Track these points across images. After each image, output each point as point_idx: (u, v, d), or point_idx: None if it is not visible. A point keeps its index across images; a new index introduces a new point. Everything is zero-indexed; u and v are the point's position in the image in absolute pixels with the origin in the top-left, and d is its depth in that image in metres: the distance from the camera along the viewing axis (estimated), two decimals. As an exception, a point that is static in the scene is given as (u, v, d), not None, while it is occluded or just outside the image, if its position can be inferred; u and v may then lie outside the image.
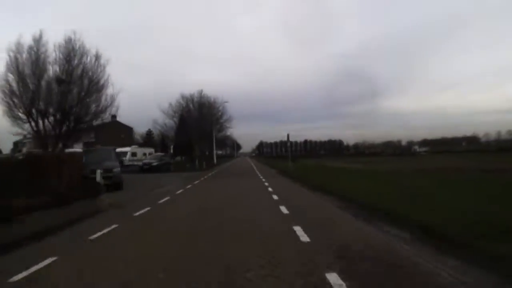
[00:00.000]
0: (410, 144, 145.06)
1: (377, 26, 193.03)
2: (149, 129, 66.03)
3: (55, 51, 13.05)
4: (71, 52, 13.20)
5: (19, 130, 13.55)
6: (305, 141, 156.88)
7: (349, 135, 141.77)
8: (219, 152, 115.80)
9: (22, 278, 3.72)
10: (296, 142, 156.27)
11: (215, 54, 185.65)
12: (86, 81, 13.53)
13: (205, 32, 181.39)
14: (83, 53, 13.43)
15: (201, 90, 45.34)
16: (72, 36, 13.33)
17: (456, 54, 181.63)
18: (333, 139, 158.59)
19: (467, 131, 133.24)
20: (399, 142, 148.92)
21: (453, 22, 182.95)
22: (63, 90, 12.52)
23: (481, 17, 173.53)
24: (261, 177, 21.99)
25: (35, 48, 12.72)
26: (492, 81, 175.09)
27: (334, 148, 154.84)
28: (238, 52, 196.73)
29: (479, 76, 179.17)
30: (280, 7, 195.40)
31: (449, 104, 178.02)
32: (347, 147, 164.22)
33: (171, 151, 47.47)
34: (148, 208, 8.93)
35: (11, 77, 12.54)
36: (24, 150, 33.43)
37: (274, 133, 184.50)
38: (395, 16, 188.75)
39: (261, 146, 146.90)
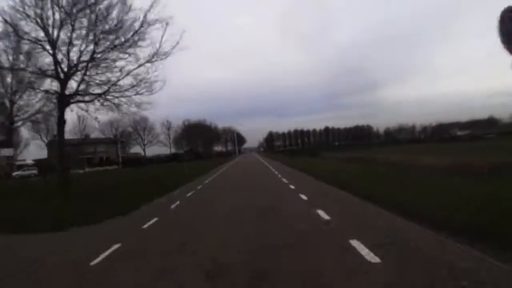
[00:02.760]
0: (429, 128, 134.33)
1: (376, 15, 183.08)
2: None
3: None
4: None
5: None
6: (326, 129, 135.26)
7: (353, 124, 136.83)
8: (217, 149, 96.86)
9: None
10: (314, 131, 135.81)
11: (216, 50, 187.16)
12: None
13: (205, 28, 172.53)
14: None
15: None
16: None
17: (457, 41, 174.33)
18: (360, 124, 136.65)
19: (469, 116, 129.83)
20: (413, 127, 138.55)
21: (454, 6, 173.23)
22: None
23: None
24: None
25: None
26: (493, 65, 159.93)
27: (362, 135, 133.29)
28: (238, 48, 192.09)
29: (480, 61, 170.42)
30: (279, 2, 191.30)
31: (450, 90, 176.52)
32: (377, 133, 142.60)
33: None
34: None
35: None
36: None
37: (279, 127, 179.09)
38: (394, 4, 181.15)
39: (271, 138, 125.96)
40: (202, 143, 73.62)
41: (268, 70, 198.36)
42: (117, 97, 11.94)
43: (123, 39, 10.68)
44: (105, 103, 11.78)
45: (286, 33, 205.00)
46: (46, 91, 11.35)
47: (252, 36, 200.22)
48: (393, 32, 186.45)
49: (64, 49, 10.52)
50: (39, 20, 10.30)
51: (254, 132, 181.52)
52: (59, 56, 10.48)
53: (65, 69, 10.92)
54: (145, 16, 10.67)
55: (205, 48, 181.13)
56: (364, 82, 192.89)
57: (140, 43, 10.88)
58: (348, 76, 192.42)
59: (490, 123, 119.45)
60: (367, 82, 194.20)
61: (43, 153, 53.05)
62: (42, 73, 10.73)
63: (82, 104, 11.78)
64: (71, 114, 13.34)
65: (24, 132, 43.26)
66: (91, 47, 10.63)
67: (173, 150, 77.83)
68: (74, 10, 10.32)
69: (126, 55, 10.89)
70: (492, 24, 4.95)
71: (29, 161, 50.46)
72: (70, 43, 10.53)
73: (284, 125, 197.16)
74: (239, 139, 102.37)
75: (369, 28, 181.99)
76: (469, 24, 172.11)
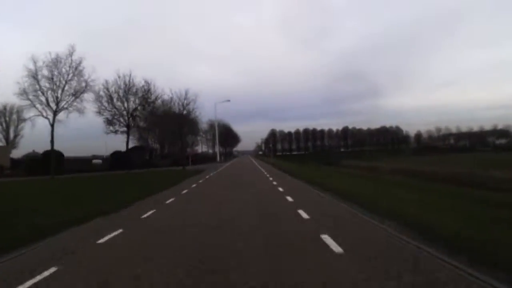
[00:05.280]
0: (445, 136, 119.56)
1: (377, 22, 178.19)
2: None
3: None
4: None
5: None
6: (345, 130, 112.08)
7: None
8: (209, 150, 75.46)
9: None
10: (330, 131, 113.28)
11: (215, 52, 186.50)
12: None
13: (204, 31, 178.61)
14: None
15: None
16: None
17: (456, 49, 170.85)
18: (387, 125, 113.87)
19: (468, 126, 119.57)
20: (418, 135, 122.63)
21: (453, 16, 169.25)
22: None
23: (480, 11, 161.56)
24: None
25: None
26: (493, 75, 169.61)
27: (391, 140, 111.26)
28: (238, 50, 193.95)
29: (480, 71, 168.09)
30: (279, 4, 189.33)
31: (450, 100, 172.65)
32: (406, 138, 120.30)
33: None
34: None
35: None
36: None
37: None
38: (395, 10, 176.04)
39: (274, 138, 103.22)
40: (168, 139, 52.89)
41: (267, 72, 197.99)
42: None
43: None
44: None
45: (287, 36, 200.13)
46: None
47: (252, 38, 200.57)
48: (394, 39, 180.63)
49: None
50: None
51: (249, 134, 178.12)
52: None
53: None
54: None
55: (202, 48, 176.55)
56: (365, 89, 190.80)
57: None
58: (349, 82, 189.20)
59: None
60: (368, 89, 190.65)
61: None
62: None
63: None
64: None
65: None
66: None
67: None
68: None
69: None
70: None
71: None
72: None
73: (281, 129, 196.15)
74: (230, 137, 79.04)
75: (371, 35, 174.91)
76: (470, 33, 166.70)
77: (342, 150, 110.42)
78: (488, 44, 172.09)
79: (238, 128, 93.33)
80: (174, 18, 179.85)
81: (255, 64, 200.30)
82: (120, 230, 5.76)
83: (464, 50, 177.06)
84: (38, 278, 3.47)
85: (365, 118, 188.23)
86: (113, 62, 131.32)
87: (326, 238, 4.66)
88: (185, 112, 36.18)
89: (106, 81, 31.84)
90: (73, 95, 26.51)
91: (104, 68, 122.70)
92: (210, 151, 79.05)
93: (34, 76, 25.07)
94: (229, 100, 49.39)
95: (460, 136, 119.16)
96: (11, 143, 50.64)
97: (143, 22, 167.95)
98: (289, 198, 9.34)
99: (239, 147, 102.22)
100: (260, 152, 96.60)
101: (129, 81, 32.56)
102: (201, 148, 79.06)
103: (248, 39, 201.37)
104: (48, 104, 25.61)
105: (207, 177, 21.33)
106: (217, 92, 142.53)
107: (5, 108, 50.36)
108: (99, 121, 32.64)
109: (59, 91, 25.89)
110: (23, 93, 24.97)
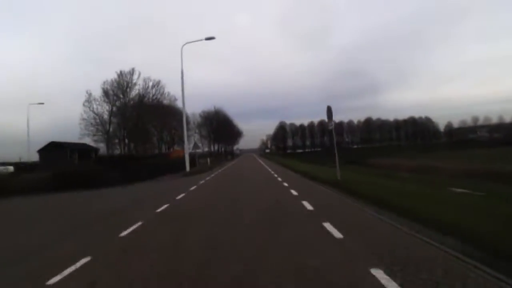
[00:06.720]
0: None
1: (377, 17, 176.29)
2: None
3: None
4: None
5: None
6: (368, 120, 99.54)
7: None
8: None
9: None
10: (351, 123, 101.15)
11: (214, 50, 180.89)
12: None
13: (204, 29, 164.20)
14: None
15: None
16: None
17: (459, 45, 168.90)
18: (416, 116, 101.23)
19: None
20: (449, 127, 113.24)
21: (454, 11, 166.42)
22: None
23: (483, 6, 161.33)
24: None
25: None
26: (494, 71, 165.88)
27: (421, 133, 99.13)
28: (237, 49, 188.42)
29: (481, 67, 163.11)
30: (279, 1, 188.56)
31: (451, 96, 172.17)
32: (435, 132, 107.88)
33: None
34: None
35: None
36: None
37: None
38: (395, 5, 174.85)
39: (282, 133, 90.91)
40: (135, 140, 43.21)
41: (268, 71, 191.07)
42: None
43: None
44: None
45: (286, 35, 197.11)
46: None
47: (250, 37, 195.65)
48: (394, 35, 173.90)
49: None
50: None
51: (251, 133, 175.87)
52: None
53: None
54: None
55: (201, 47, 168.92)
56: (365, 85, 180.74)
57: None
58: (349, 79, 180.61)
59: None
60: (368, 85, 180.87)
61: None
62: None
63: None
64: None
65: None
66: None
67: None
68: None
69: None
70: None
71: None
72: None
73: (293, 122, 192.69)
74: (229, 130, 67.53)
75: (371, 30, 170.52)
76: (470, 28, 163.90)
77: (360, 146, 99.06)
78: (489, 39, 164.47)
79: (240, 126, 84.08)
80: (173, 17, 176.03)
81: (255, 63, 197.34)
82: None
83: (465, 45, 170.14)
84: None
85: (367, 115, 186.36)
86: (113, 63, 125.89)
87: None
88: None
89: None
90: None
91: (104, 68, 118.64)
92: (206, 149, 68.85)
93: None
94: (213, 37, 21.82)
95: (492, 128, 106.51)
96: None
97: (142, 22, 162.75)
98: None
99: (242, 145, 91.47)
100: (267, 150, 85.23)
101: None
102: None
103: (248, 38, 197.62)
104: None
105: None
106: (217, 91, 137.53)
107: None
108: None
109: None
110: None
